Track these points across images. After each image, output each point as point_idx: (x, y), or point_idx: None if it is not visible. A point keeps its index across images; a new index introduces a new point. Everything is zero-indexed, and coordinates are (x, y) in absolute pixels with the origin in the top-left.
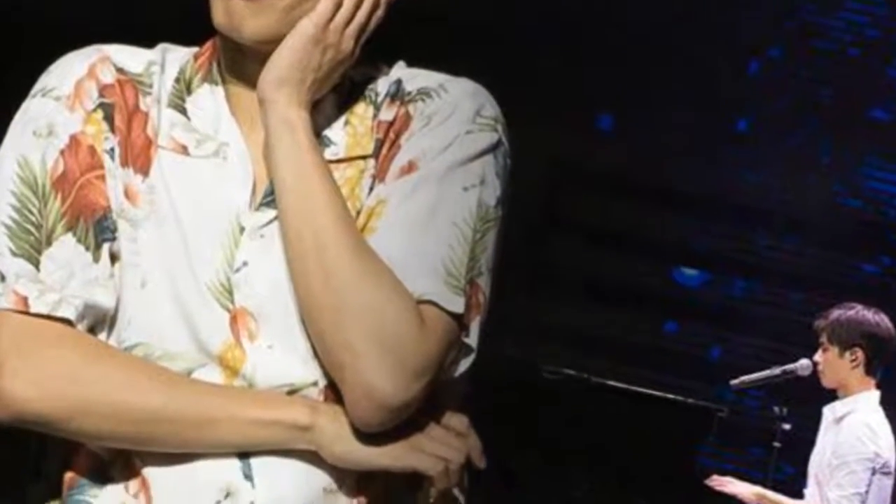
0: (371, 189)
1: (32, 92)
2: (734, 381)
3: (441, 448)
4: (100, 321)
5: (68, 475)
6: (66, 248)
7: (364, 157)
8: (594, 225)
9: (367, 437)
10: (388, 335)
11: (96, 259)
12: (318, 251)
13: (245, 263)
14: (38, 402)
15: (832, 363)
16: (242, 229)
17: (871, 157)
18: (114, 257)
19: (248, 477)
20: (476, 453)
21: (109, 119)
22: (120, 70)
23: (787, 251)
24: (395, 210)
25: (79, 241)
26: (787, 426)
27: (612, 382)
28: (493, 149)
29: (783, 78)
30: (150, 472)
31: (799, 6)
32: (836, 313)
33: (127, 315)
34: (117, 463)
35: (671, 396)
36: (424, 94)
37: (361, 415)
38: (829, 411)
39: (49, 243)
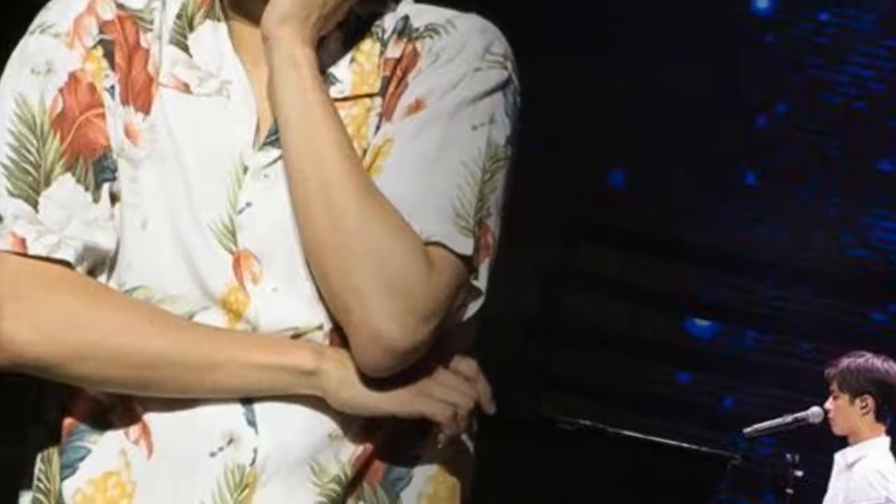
0: (377, 128)
1: (31, 28)
2: (747, 430)
3: (449, 393)
4: (99, 263)
5: (67, 421)
6: (65, 189)
7: (370, 96)
8: (608, 278)
9: (374, 382)
10: (395, 277)
11: (96, 200)
12: (323, 191)
13: (248, 204)
14: (37, 346)
15: (843, 410)
16: (246, 169)
17: (877, 208)
18: (114, 198)
19: (252, 423)
20: (485, 398)
21: (109, 56)
22: (120, 6)
23: (797, 301)
24: (402, 149)
25: (78, 181)
26: (799, 473)
27: (627, 432)
28: (502, 87)
29: (790, 131)
30: (150, 417)
31: (805, 61)
32: (845, 361)
33: (127, 257)
34: (117, 408)
35: (685, 445)
36: (432, 30)
37: (368, 359)
38: (840, 458)
39: (48, 183)
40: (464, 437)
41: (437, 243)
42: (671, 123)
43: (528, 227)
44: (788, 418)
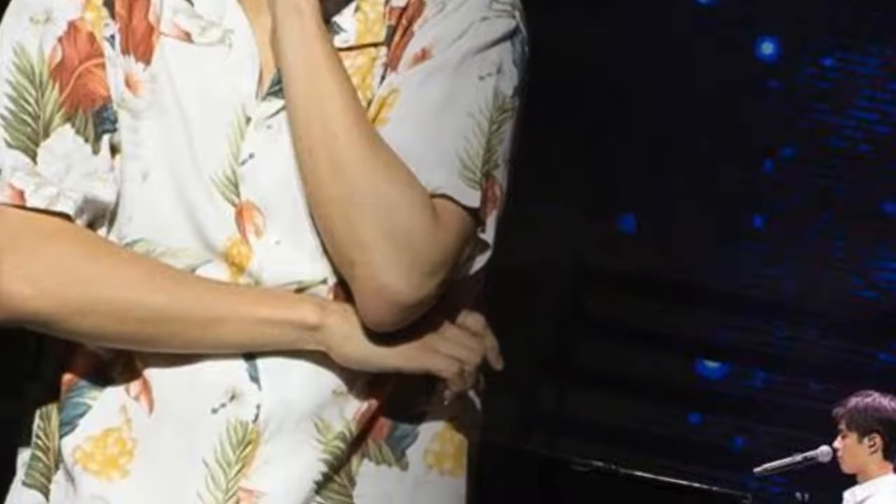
0: (383, 78)
1: None
2: (757, 469)
3: (456, 348)
4: (99, 216)
5: (66, 377)
6: (64, 140)
7: (375, 45)
8: (619, 321)
9: (379, 337)
10: (400, 230)
11: (96, 151)
12: (327, 142)
13: (251, 156)
14: (35, 301)
15: (851, 449)
16: (248, 120)
17: (883, 250)
18: (114, 149)
19: (255, 379)
20: (492, 354)
21: (109, 5)
22: None
23: (806, 342)
24: (408, 100)
25: (78, 132)
26: None
27: (639, 473)
28: (510, 36)
29: (797, 175)
30: (151, 373)
31: (810, 106)
32: (853, 401)
33: (127, 210)
34: (117, 364)
35: (697, 485)
36: None
37: (373, 314)
38: (849, 496)
39: (46, 135)
40: (470, 393)
41: (443, 195)
42: (680, 169)
43: (540, 271)
44: (798, 457)
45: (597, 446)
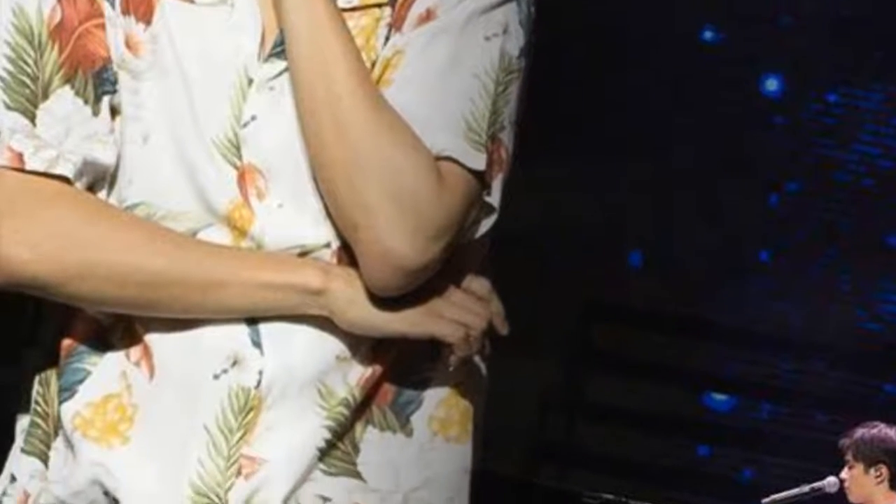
0: (387, 39)
1: None
2: (766, 500)
3: (461, 313)
4: (99, 179)
5: (66, 342)
6: (63, 102)
7: (379, 5)
8: (628, 356)
9: (383, 301)
10: (405, 193)
11: (96, 113)
12: (330, 104)
13: (253, 118)
14: (34, 265)
15: (858, 479)
16: (251, 81)
17: (887, 283)
18: (114, 111)
19: (257, 344)
20: (498, 319)
21: None
22: None
23: (812, 374)
24: (412, 61)
25: (77, 93)
26: None
27: None
28: None
29: (802, 210)
30: (152, 338)
31: (815, 141)
32: (860, 432)
33: (128, 173)
34: (117, 329)
35: None
36: None
37: (377, 278)
38: None
39: (46, 96)
40: (476, 359)
41: (448, 158)
42: (686, 204)
43: (549, 307)
44: (806, 488)
45: (607, 479)
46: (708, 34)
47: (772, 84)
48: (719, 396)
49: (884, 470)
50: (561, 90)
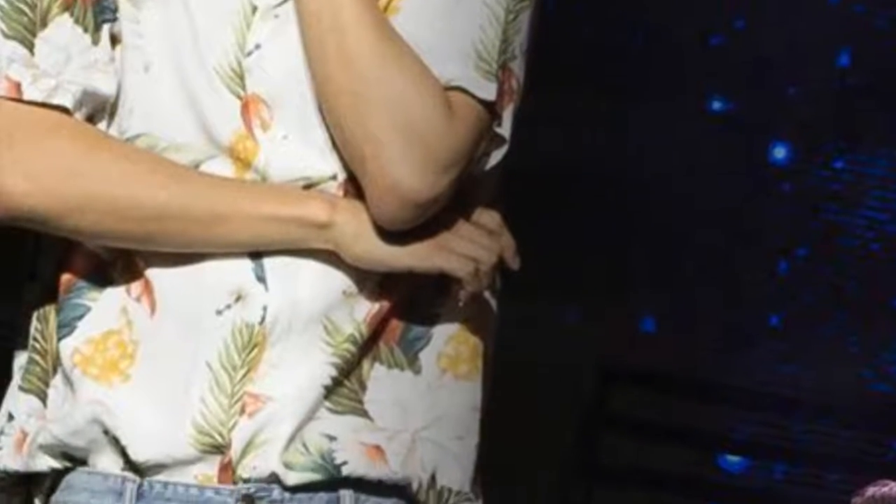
0: None
1: None
2: None
3: (471, 247)
4: (99, 109)
5: (65, 277)
6: (62, 30)
7: None
8: (642, 418)
9: (391, 235)
10: (413, 124)
11: (95, 41)
12: (336, 33)
13: (258, 46)
14: (32, 198)
15: None
16: (255, 9)
17: (895, 344)
18: (114, 39)
19: (261, 279)
20: (509, 253)
21: None
22: None
23: (823, 435)
24: None
25: (76, 21)
26: None
27: None
28: None
29: (811, 275)
30: (153, 273)
31: (822, 207)
32: (871, 490)
33: (129, 103)
34: (118, 264)
35: None
36: None
37: (384, 211)
38: None
39: (44, 24)
40: (486, 294)
41: (458, 88)
42: (697, 271)
43: (563, 371)
44: None
45: None
46: (716, 104)
47: (779, 152)
48: (733, 458)
49: None
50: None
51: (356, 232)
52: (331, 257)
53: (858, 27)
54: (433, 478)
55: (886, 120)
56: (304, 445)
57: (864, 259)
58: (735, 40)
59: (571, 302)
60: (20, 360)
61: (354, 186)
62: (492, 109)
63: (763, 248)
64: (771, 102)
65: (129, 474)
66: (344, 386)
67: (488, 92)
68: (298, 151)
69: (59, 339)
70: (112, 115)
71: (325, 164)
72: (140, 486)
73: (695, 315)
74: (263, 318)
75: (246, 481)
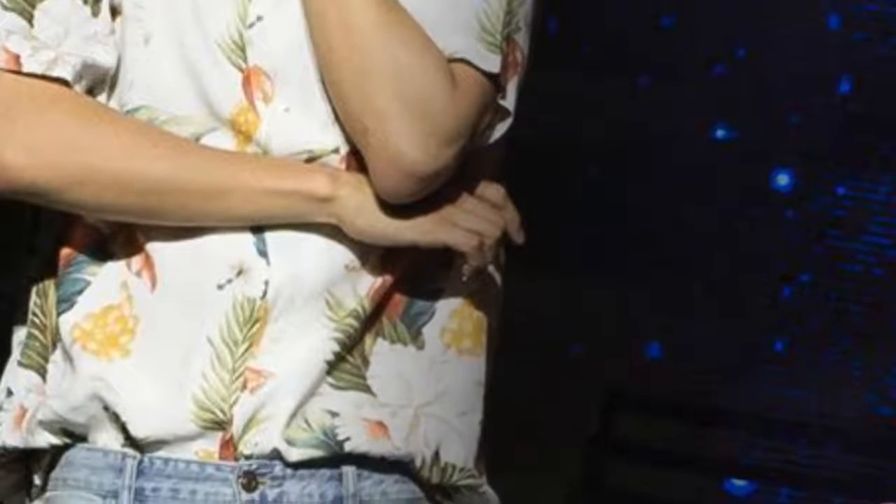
0: None
1: None
2: None
3: (475, 221)
4: (99, 82)
5: (64, 251)
6: (61, 2)
7: None
8: (648, 445)
9: (394, 209)
10: (416, 97)
11: (95, 13)
12: (338, 4)
13: (259, 18)
14: (32, 171)
15: None
16: None
17: None
18: (114, 11)
19: (263, 253)
20: (513, 227)
21: None
22: None
23: (828, 459)
24: None
25: None
26: None
27: None
28: None
29: (815, 300)
30: (154, 247)
31: (825, 233)
32: None
33: (129, 75)
34: (118, 238)
35: None
36: None
37: (387, 184)
38: None
39: None
40: (490, 268)
41: (461, 60)
42: (703, 298)
43: (569, 398)
44: None
45: None
46: (720, 132)
47: (782, 179)
48: (739, 482)
49: None
50: (580, 186)
51: (359, 206)
52: (333, 231)
53: (859, 55)
54: (436, 454)
55: (888, 146)
56: (307, 421)
57: (868, 284)
58: (737, 69)
59: (580, 330)
60: (19, 335)
61: (357, 160)
62: (496, 82)
63: (767, 274)
64: (773, 130)
65: (130, 450)
66: (346, 361)
67: (492, 64)
68: (300, 124)
69: (59, 314)
70: (112, 87)
71: (328, 137)
72: (140, 462)
73: (700, 341)
74: (265, 293)
75: (247, 458)
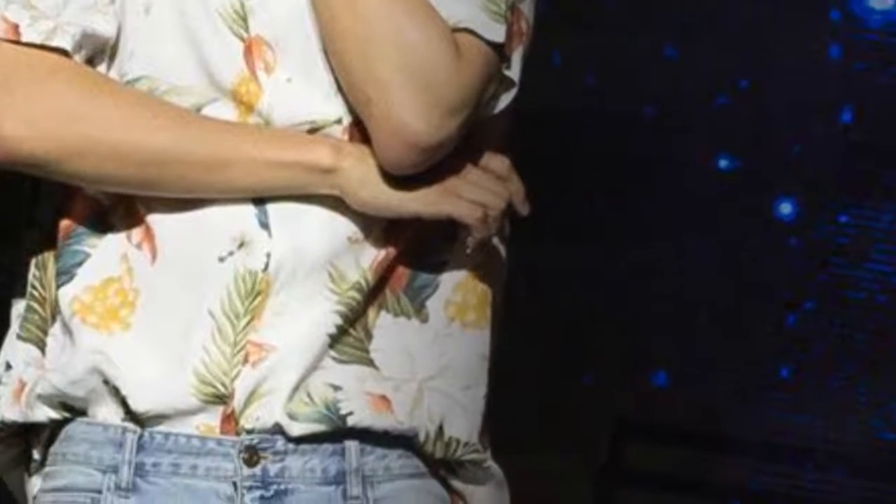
0: None
1: None
2: None
3: (479, 192)
4: (99, 52)
5: (64, 223)
6: None
7: None
8: (656, 472)
9: (397, 180)
10: (420, 67)
11: None
12: None
13: None
14: (31, 142)
15: None
16: None
17: None
18: None
19: (265, 225)
20: (518, 198)
21: None
22: None
23: (834, 484)
24: None
25: None
26: None
27: None
28: None
29: (819, 327)
30: (154, 219)
31: (829, 261)
32: None
33: (129, 45)
34: (118, 209)
35: None
36: None
37: (390, 155)
38: None
39: None
40: (495, 240)
41: (465, 30)
42: (708, 326)
43: (579, 426)
44: None
45: None
46: (723, 162)
47: (785, 208)
48: None
49: None
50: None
51: (362, 177)
52: (336, 203)
53: (860, 84)
54: (440, 428)
55: (890, 174)
56: (309, 395)
57: (871, 311)
58: (740, 100)
59: (588, 359)
60: (18, 308)
61: (360, 130)
62: (500, 52)
63: (771, 302)
64: (776, 159)
65: (130, 425)
66: (349, 335)
67: (497, 34)
68: (303, 95)
69: (58, 287)
70: (112, 57)
71: (330, 108)
72: (140, 436)
73: (706, 370)
74: (267, 265)
75: (249, 432)
